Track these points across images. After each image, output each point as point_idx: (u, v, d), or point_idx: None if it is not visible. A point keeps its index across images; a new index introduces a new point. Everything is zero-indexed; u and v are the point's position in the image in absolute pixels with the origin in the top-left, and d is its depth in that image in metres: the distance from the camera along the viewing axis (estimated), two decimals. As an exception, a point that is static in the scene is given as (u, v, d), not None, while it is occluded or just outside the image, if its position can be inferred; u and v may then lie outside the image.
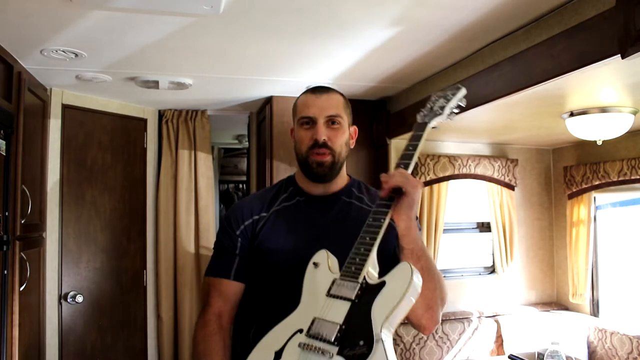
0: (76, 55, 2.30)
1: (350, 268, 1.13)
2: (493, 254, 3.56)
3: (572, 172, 3.36)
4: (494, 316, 3.34)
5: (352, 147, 1.43)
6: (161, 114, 3.49)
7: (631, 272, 3.24)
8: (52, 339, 2.81)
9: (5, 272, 2.12)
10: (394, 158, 3.28)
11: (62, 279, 2.89)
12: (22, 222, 2.31)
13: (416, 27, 2.05)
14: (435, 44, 2.25)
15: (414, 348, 3.09)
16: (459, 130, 3.10)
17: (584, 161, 3.33)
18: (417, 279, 1.07)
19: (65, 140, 2.93)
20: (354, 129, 1.44)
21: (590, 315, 3.36)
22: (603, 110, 2.44)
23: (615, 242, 3.36)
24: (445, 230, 3.37)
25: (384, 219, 1.17)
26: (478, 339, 3.23)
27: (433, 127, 1.32)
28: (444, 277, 3.72)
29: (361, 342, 1.02)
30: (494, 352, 3.27)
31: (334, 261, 1.20)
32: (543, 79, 1.92)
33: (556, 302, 3.62)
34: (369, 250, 1.13)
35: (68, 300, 2.89)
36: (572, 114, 2.53)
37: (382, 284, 1.09)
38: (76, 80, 2.68)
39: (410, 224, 1.20)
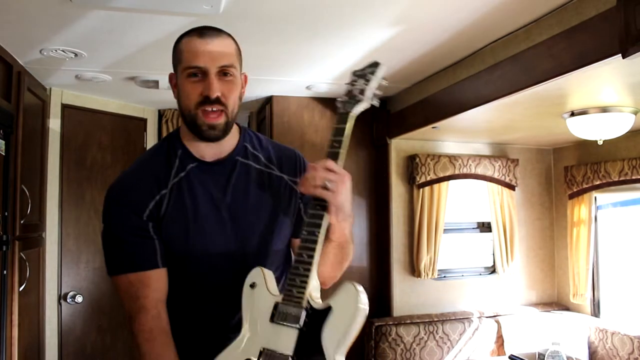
0: (76, 55, 2.30)
1: (291, 291, 1.05)
2: (493, 254, 3.55)
3: (572, 172, 3.36)
4: (494, 316, 3.33)
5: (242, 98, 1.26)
6: (161, 114, 3.48)
7: (632, 272, 3.23)
8: (51, 339, 2.81)
9: (5, 272, 2.12)
10: (394, 158, 3.28)
11: (62, 279, 2.89)
12: (22, 222, 2.31)
13: (416, 27, 2.05)
14: (435, 44, 2.25)
15: (414, 348, 3.09)
16: (459, 130, 3.09)
17: (585, 161, 3.32)
18: (363, 302, 1.01)
19: (65, 140, 2.93)
20: (244, 76, 1.26)
21: (591, 315, 3.36)
22: (604, 110, 2.44)
23: (616, 242, 3.35)
24: (445, 230, 3.37)
25: (319, 232, 1.06)
26: (478, 339, 3.23)
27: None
28: (444, 277, 3.66)
29: None
30: (495, 353, 3.27)
31: (271, 280, 1.11)
32: (543, 79, 1.92)
33: (557, 302, 3.61)
34: (309, 270, 1.04)
35: (68, 300, 2.89)
36: (572, 114, 2.52)
37: (329, 309, 1.02)
38: (76, 80, 2.68)
39: (345, 223, 1.10)
